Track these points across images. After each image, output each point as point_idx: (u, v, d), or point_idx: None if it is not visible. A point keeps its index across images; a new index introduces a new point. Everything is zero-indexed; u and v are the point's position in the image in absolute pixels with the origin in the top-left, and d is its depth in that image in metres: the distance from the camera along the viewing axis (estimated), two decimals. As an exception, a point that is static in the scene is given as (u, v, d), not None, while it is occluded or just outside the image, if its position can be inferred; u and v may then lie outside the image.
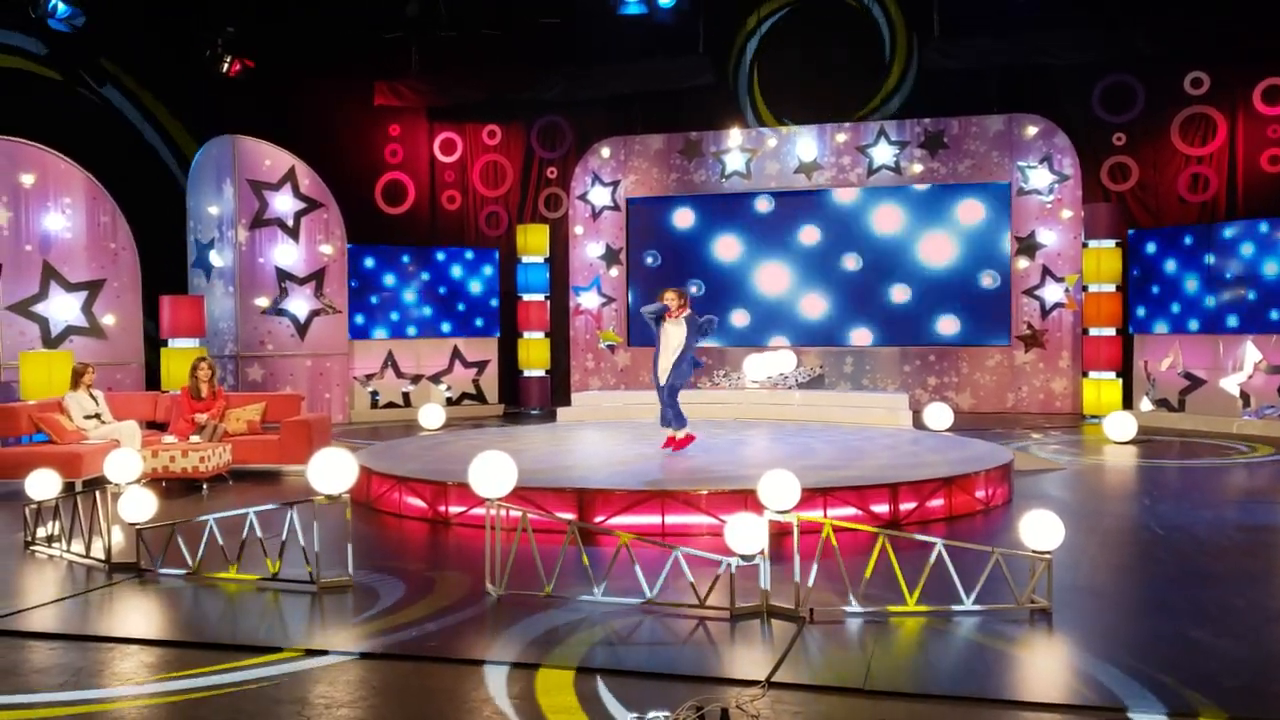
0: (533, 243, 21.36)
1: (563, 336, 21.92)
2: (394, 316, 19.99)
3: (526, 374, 21.23)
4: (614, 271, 21.82)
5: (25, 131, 15.44)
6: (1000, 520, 9.81)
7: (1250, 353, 15.48)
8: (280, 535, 7.78)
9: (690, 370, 10.89)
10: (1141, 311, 17.82)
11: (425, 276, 20.33)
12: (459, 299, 20.65)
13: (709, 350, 19.28)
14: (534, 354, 21.51)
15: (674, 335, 11.03)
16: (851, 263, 20.42)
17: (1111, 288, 18.41)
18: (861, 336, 20.15)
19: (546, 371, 21.28)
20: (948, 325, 20.20)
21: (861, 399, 16.69)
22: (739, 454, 11.42)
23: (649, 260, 20.70)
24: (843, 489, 9.37)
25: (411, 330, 20.17)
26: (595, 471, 10.33)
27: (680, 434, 11.05)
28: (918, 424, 15.50)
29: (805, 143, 20.48)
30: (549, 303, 21.39)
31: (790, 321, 20.66)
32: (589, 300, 21.95)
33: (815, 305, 20.61)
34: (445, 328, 20.54)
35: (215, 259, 17.96)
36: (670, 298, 11.09)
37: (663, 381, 10.89)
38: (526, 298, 21.29)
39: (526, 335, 21.26)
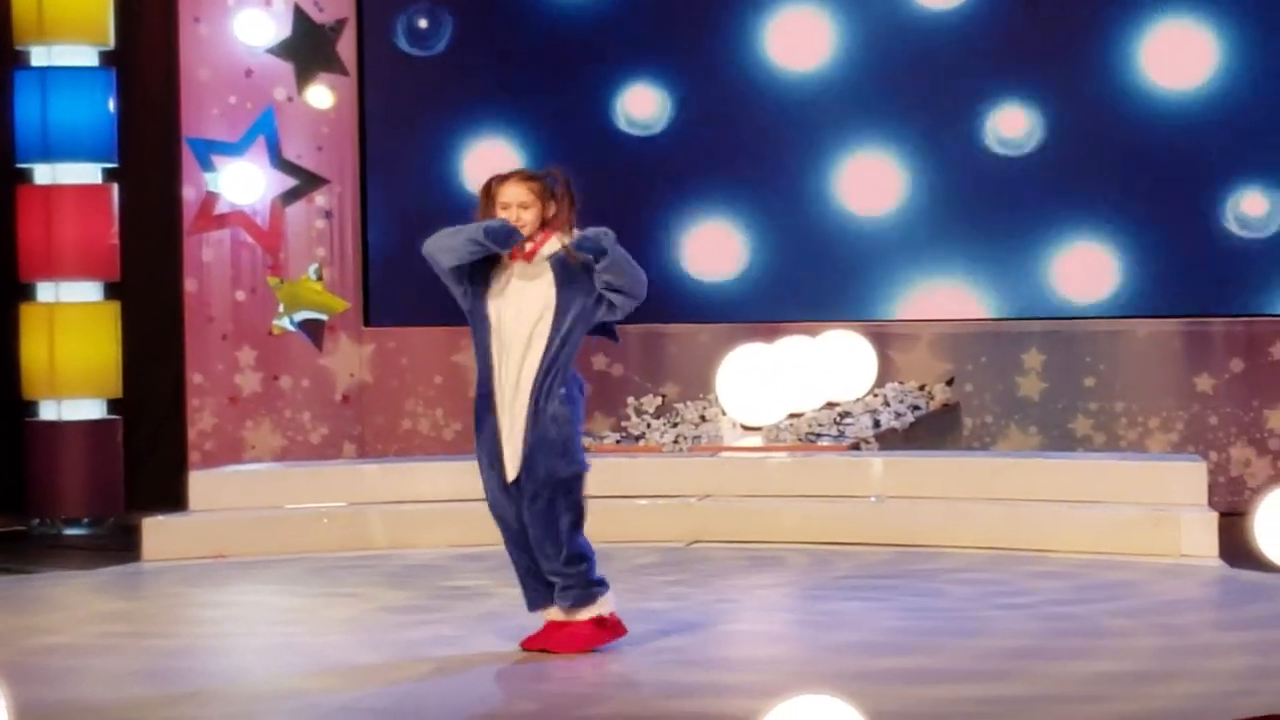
0: (66, 8, 14.58)
1: (164, 296, 14.49)
2: None
3: (46, 416, 14.28)
4: (322, 99, 14.51)
5: None
6: None
7: None
8: None
9: (582, 396, 7.36)
10: None
11: None
12: None
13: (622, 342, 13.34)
14: (67, 350, 14.06)
15: (534, 299, 7.41)
16: (1012, 122, 15.14)
17: None
18: (1073, 285, 14.72)
19: (115, 407, 14.20)
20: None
21: (1061, 471, 11.92)
22: (711, 647, 8.63)
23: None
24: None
25: None
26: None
27: (583, 614, 7.27)
28: (1229, 549, 11.36)
29: None
30: (118, 194, 14.44)
31: (849, 259, 15.09)
32: (245, 186, 14.09)
33: (930, 209, 15.20)
34: None
35: None
36: (517, 197, 7.44)
37: (510, 474, 7.29)
38: (46, 177, 14.26)
39: (45, 295, 14.28)
